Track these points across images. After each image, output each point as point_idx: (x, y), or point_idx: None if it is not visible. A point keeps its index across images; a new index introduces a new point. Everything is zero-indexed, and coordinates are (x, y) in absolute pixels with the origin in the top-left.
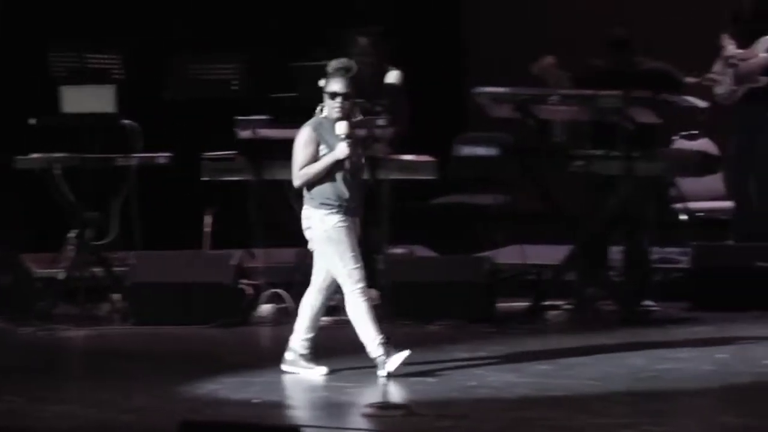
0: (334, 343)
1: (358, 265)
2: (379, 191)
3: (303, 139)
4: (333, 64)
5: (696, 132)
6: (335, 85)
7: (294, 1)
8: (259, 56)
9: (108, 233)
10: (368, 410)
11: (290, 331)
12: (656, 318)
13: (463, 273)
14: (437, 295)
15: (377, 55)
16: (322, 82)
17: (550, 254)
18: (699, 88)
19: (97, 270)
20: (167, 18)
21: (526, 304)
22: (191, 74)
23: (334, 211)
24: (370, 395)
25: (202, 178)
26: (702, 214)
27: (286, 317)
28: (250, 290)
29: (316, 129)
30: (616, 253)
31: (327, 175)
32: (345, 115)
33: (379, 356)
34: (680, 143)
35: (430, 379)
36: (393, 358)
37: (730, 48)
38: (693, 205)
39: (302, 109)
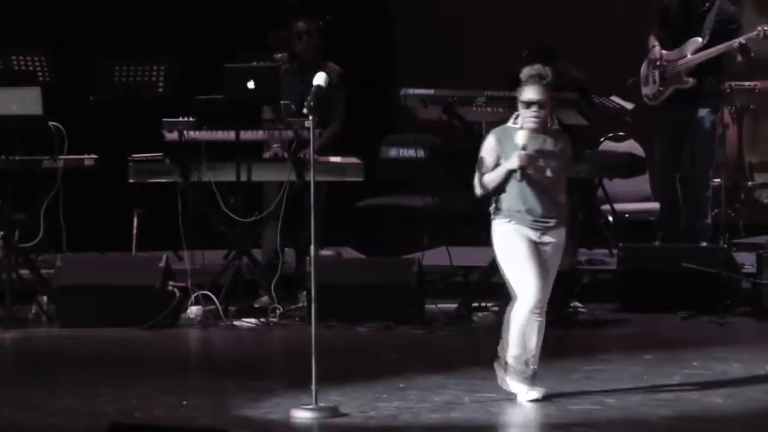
0: (264, 344)
1: (534, 282)
2: (306, 193)
3: (485, 147)
4: (526, 72)
5: (623, 133)
6: (530, 92)
7: (223, 3)
8: (185, 58)
9: (35, 235)
10: (296, 412)
11: (218, 332)
12: (584, 319)
13: (390, 275)
14: (365, 297)
15: (312, 46)
16: (250, 84)
17: (477, 256)
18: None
19: (24, 272)
20: (94, 20)
21: (454, 305)
22: (118, 76)
23: (506, 220)
24: (299, 397)
25: (129, 180)
26: (629, 215)
27: (214, 319)
28: (177, 292)
29: (498, 137)
30: None
31: (505, 185)
32: (541, 125)
33: (518, 378)
34: (607, 145)
35: (358, 381)
36: (532, 392)
37: (657, 50)
38: (620, 206)
39: (229, 111)
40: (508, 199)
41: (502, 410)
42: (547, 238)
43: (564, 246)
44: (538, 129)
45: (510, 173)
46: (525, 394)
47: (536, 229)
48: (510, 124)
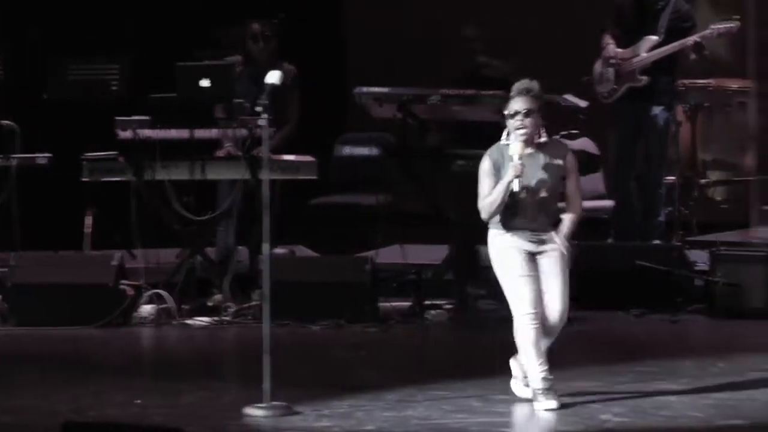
0: (217, 342)
1: (527, 289)
2: (259, 191)
3: (482, 170)
4: (514, 87)
5: (576, 131)
6: (515, 104)
7: (177, 1)
8: (139, 57)
9: None
10: (250, 410)
11: (171, 331)
12: None
13: (344, 273)
14: (318, 295)
15: (268, 50)
16: (203, 82)
17: (430, 254)
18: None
19: None
20: (47, 17)
21: (407, 303)
22: (71, 75)
23: (502, 232)
24: (252, 395)
25: (82, 179)
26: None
27: (167, 318)
28: (130, 291)
29: (493, 158)
30: None
31: (508, 200)
32: (527, 133)
33: (537, 389)
34: None
35: (311, 379)
36: (549, 401)
37: (611, 48)
38: None
39: (182, 110)
40: (504, 213)
41: (456, 408)
42: (545, 247)
43: (566, 253)
44: (528, 139)
45: (508, 186)
46: (540, 403)
47: (533, 242)
48: (502, 141)
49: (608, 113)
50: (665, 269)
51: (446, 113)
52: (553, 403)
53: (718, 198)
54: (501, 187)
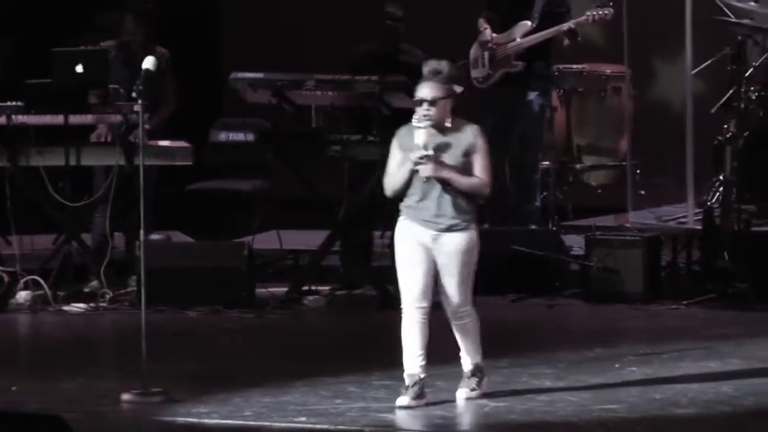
0: (94, 329)
1: (411, 282)
2: (135, 177)
3: (391, 148)
4: (424, 68)
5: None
6: (422, 90)
7: None
8: (15, 42)
9: None
10: (127, 396)
11: (47, 317)
12: None
13: (220, 258)
14: (195, 281)
15: (142, 35)
16: (79, 68)
17: (308, 239)
18: None
19: None
20: None
21: (285, 289)
22: None
23: (402, 217)
24: (130, 382)
25: None
26: None
27: (43, 304)
28: (6, 277)
29: (401, 138)
30: (377, 237)
31: (411, 183)
32: (432, 122)
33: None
34: None
35: (189, 365)
36: (403, 398)
37: (487, 32)
38: None
39: (57, 95)
40: (408, 193)
41: (333, 394)
42: (442, 241)
43: (468, 250)
44: (434, 125)
45: (413, 173)
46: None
47: (428, 229)
48: (413, 122)
49: (484, 98)
50: (541, 254)
51: (321, 98)
52: (405, 400)
53: (594, 183)
54: (404, 170)
